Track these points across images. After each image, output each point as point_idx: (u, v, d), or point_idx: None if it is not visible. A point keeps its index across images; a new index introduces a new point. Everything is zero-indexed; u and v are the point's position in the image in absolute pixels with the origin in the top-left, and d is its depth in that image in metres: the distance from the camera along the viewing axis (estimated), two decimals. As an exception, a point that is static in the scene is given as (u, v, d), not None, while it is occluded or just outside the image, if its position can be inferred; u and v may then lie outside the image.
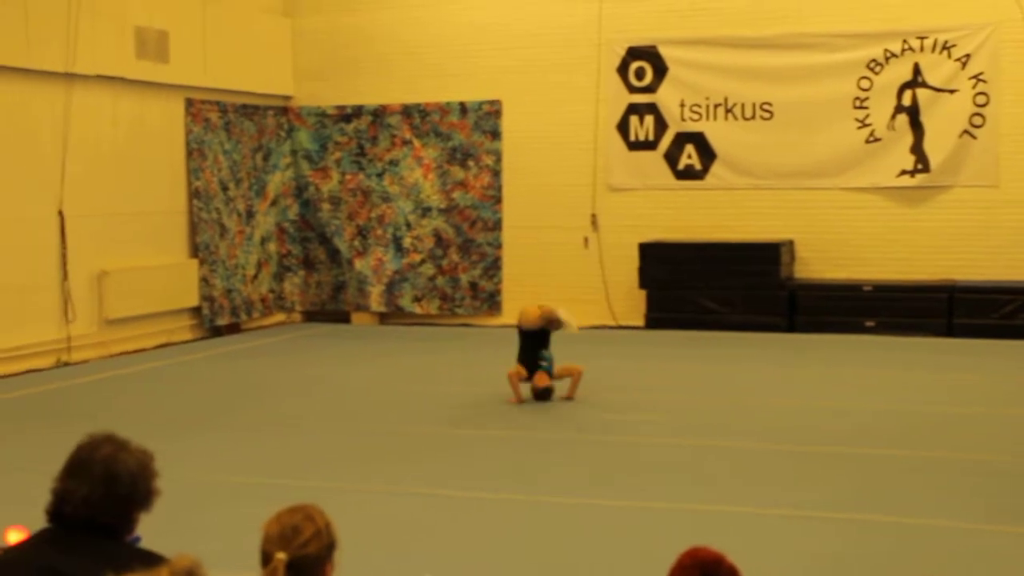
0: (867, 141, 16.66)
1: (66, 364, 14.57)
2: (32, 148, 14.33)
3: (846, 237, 16.87)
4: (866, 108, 16.62)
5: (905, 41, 16.43)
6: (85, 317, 14.99)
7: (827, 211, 16.92)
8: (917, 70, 16.42)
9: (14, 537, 4.38)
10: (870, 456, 9.46)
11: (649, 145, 17.49)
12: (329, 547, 3.43)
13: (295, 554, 3.32)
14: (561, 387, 12.10)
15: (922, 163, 16.50)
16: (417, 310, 18.44)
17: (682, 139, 17.35)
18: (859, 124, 16.66)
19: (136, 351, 15.62)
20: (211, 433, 10.58)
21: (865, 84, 16.60)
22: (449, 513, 7.99)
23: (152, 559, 3.41)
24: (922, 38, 16.36)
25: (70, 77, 14.62)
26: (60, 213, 14.66)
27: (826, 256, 16.95)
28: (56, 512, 3.67)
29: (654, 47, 17.36)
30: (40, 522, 3.79)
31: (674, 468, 9.16)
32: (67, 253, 14.73)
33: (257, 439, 10.35)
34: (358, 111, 18.62)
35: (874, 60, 16.55)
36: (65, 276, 14.73)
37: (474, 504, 8.18)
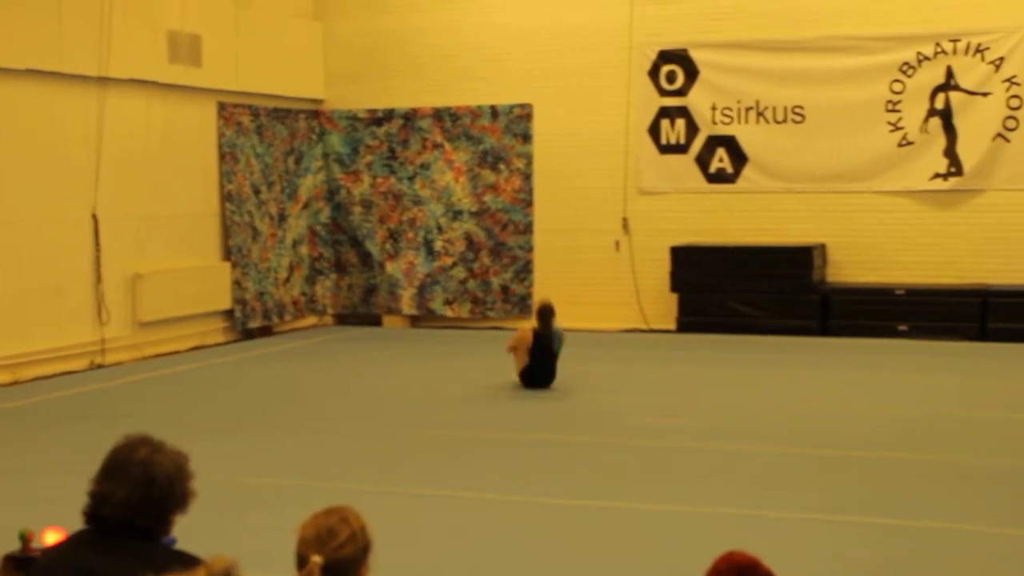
0: (900, 144, 16.59)
1: (100, 366, 14.65)
2: (66, 151, 14.42)
3: (879, 241, 16.80)
4: (899, 111, 16.55)
5: (938, 44, 16.35)
6: (119, 319, 15.07)
7: (859, 215, 16.85)
8: (950, 73, 16.35)
9: (51, 538, 4.41)
10: (902, 461, 9.42)
11: (680, 148, 17.46)
12: (364, 549, 3.44)
13: (331, 557, 3.33)
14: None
15: (955, 166, 16.41)
16: (448, 313, 18.45)
17: (713, 142, 17.31)
18: (892, 127, 16.59)
19: (169, 353, 15.68)
20: (243, 435, 10.61)
21: (898, 87, 16.53)
22: (479, 516, 8.00)
23: (188, 560, 3.43)
24: (955, 41, 16.28)
25: (103, 81, 14.71)
26: (94, 216, 14.74)
27: (858, 260, 16.88)
28: (94, 514, 3.69)
29: (685, 50, 17.33)
30: (75, 523, 3.82)
31: (706, 472, 9.14)
32: (101, 256, 14.82)
33: (289, 441, 10.38)
34: (389, 114, 18.65)
35: (906, 63, 16.48)
36: (99, 279, 14.81)
37: (504, 507, 8.18)
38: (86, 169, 14.61)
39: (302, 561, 3.36)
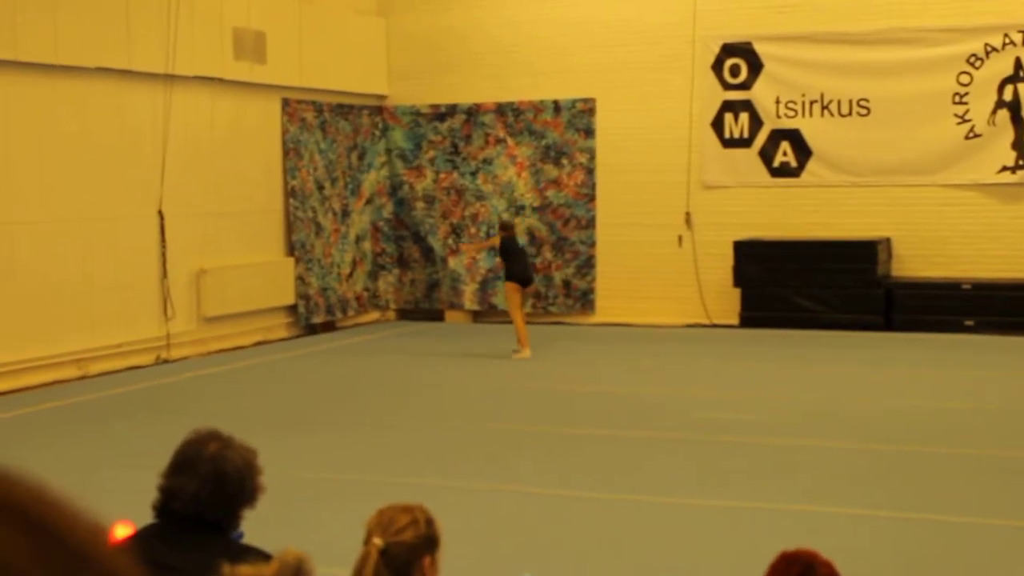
0: (967, 137, 16.40)
1: (165, 361, 14.80)
2: (133, 148, 14.58)
3: (944, 235, 16.62)
4: (966, 104, 16.37)
5: (1006, 35, 16.14)
6: (184, 315, 15.21)
7: (925, 208, 16.68)
8: (1019, 64, 16.13)
9: (121, 533, 4.46)
10: (969, 456, 9.33)
11: (744, 142, 17.36)
12: (427, 539, 3.45)
13: (390, 540, 3.36)
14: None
15: (1023, 159, 16.20)
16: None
17: (777, 136, 17.20)
18: (959, 120, 16.41)
19: (233, 349, 15.81)
20: (308, 430, 10.68)
21: (965, 79, 16.34)
22: (546, 512, 8.00)
23: (256, 554, 3.45)
24: None
25: (170, 78, 14.84)
26: (160, 212, 14.89)
27: (924, 254, 16.71)
28: (164, 508, 3.73)
29: (749, 44, 17.22)
30: (143, 517, 3.86)
31: (770, 467, 9.09)
32: (167, 252, 14.96)
33: (354, 436, 10.43)
34: (452, 110, 18.69)
35: (974, 55, 16.29)
36: (165, 274, 14.96)
37: (570, 502, 8.19)
38: (153, 166, 14.76)
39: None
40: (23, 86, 13.23)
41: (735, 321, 17.06)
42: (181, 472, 3.72)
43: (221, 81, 15.77)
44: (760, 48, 17.17)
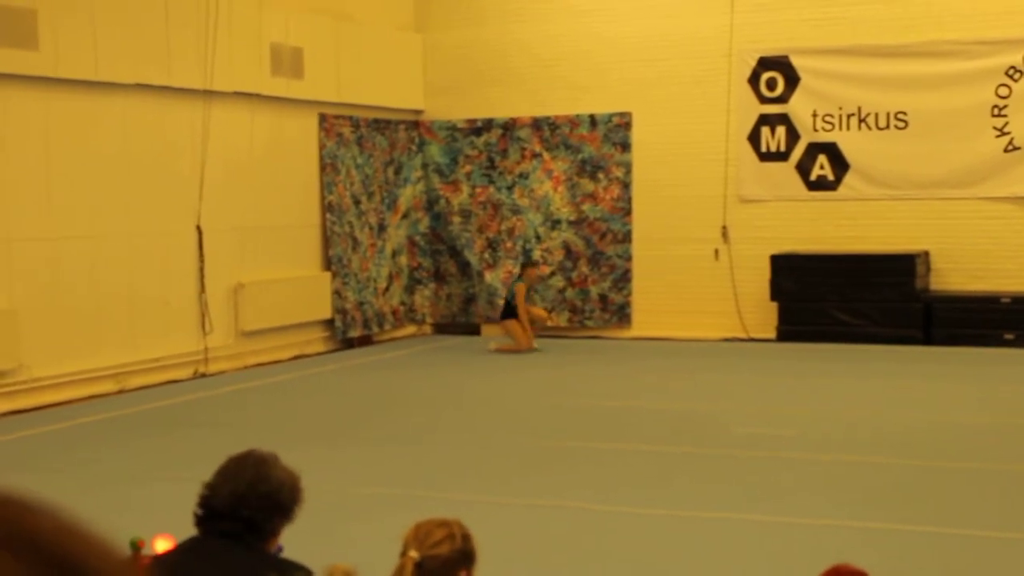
0: (1006, 150, 16.30)
1: (203, 375, 14.86)
2: (172, 164, 14.67)
3: (984, 248, 16.52)
4: (1005, 116, 16.27)
5: (1046, 47, 16.05)
6: (222, 329, 15.28)
7: (964, 222, 16.58)
8: (1058, 77, 16.04)
9: (162, 546, 4.48)
10: (1011, 472, 9.25)
11: (781, 156, 17.31)
12: (462, 553, 3.46)
13: (425, 553, 3.38)
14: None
15: (1063, 172, 16.09)
16: (546, 322, 18.43)
17: (814, 149, 17.14)
18: (997, 132, 16.31)
19: (271, 363, 15.86)
20: (345, 444, 10.70)
21: (1004, 92, 16.25)
22: (582, 527, 7.99)
23: (296, 569, 3.47)
24: (1063, 44, 15.98)
25: (208, 94, 14.93)
26: (198, 227, 14.97)
27: (963, 267, 16.61)
28: (204, 516, 3.75)
29: (786, 57, 17.19)
30: (182, 529, 3.88)
31: (811, 482, 9.05)
32: (205, 266, 15.04)
33: (391, 451, 10.45)
34: (488, 124, 18.72)
35: (1013, 67, 16.19)
36: (203, 289, 15.03)
37: (610, 517, 8.17)
38: (191, 181, 14.85)
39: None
40: (63, 102, 13.33)
41: (772, 335, 17.00)
42: (222, 476, 3.76)
43: (259, 97, 15.85)
44: (797, 61, 17.13)
